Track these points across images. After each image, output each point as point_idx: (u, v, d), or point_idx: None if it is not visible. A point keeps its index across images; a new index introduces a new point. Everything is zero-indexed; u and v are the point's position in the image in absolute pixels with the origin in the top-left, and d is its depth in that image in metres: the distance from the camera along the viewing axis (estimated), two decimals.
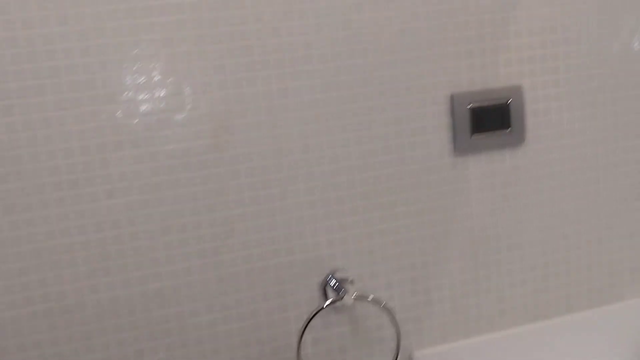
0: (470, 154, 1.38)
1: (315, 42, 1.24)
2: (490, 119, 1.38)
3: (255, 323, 1.27)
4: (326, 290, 1.30)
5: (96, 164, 1.12)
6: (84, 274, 1.13)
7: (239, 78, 1.20)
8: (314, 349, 1.31)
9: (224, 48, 1.18)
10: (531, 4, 1.35)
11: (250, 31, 1.19)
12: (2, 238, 1.03)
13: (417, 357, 1.37)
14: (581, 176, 1.45)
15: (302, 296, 1.29)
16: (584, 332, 1.48)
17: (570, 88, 1.42)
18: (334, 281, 1.29)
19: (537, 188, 1.43)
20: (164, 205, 1.18)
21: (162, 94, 1.15)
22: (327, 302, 1.23)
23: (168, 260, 1.20)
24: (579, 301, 1.49)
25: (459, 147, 1.37)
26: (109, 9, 1.11)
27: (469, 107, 1.36)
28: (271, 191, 1.24)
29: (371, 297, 1.26)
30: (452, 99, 1.35)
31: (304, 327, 1.21)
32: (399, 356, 1.29)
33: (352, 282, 1.30)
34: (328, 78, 1.25)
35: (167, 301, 1.21)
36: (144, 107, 1.14)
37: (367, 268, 1.33)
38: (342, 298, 1.23)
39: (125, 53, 1.13)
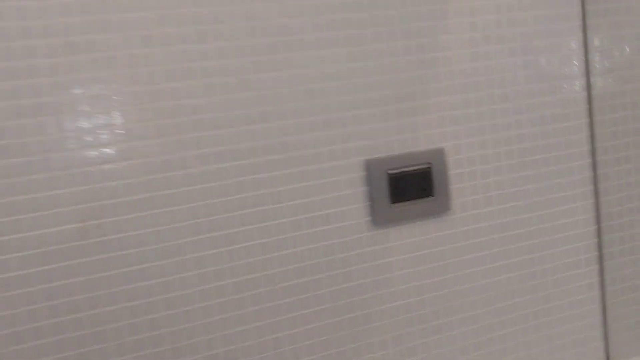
0: (390, 226, 1.23)
1: (205, 106, 1.07)
2: (411, 186, 1.23)
3: None
4: None
5: None
6: None
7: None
8: None
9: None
10: (452, 59, 1.23)
11: (126, 93, 1.02)
12: None
13: None
14: (513, 245, 1.32)
15: None
16: None
17: (497, 150, 1.29)
18: None
19: (466, 260, 1.29)
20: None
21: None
22: None
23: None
24: None
25: (378, 219, 1.21)
26: None
27: (387, 173, 1.21)
28: (152, 282, 1.05)
29: None
30: (368, 165, 1.20)
31: None
32: None
33: None
34: (222, 146, 1.08)
35: None
36: None
37: None
38: None
39: None
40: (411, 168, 1.23)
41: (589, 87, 1.34)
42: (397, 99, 1.21)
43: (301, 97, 1.13)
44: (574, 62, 1.33)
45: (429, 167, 1.24)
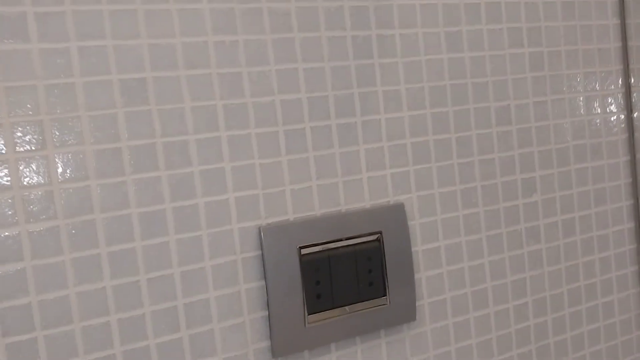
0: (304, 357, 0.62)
1: None
2: (344, 278, 0.64)
3: None
4: None
5: None
6: None
7: None
8: None
9: None
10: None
11: None
12: None
13: None
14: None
15: None
16: None
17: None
18: None
19: None
20: None
21: None
22: None
23: None
24: None
25: (282, 344, 0.60)
26: None
27: (299, 252, 0.61)
28: None
29: None
30: (265, 236, 0.60)
31: None
32: None
33: None
34: None
35: None
36: None
37: None
38: None
39: None
40: (345, 243, 0.64)
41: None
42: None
43: None
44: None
45: (377, 240, 0.66)
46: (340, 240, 0.64)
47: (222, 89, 0.59)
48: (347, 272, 0.64)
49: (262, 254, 0.61)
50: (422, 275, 0.70)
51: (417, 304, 0.69)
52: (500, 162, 0.75)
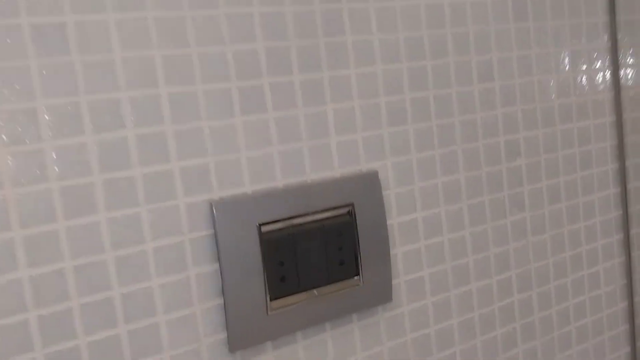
0: (266, 349, 0.54)
1: None
2: (310, 257, 0.56)
3: None
4: None
5: None
6: None
7: None
8: None
9: None
10: None
11: None
12: None
13: None
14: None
15: None
16: None
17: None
18: None
19: None
20: None
21: None
22: None
23: None
24: None
25: (243, 335, 0.52)
26: None
27: (258, 229, 0.53)
28: None
29: None
30: (217, 212, 0.51)
31: None
32: None
33: None
34: None
35: None
36: None
37: None
38: None
39: None
40: (312, 218, 0.56)
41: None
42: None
43: None
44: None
45: (348, 214, 0.58)
46: (307, 215, 0.55)
47: (161, 36, 0.49)
48: (314, 251, 0.56)
49: (215, 233, 0.52)
50: (398, 250, 0.62)
51: (392, 282, 0.62)
52: (483, 123, 0.68)
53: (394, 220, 0.62)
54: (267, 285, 0.54)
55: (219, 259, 0.52)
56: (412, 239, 0.63)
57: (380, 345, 0.62)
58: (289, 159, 0.56)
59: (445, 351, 0.66)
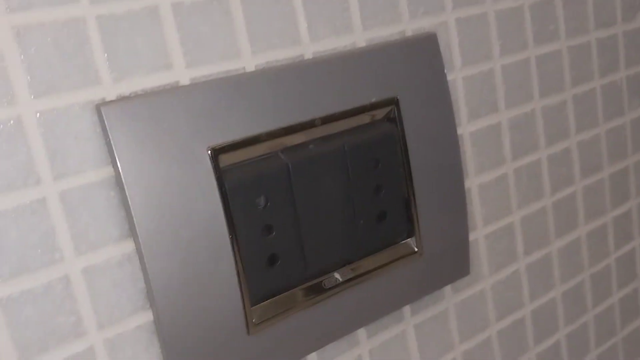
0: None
1: None
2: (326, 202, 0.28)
3: None
4: None
5: None
6: None
7: None
8: None
9: None
10: None
11: None
12: None
13: None
14: None
15: None
16: None
17: None
18: None
19: None
20: None
21: None
22: None
23: None
24: None
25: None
26: None
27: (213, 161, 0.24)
28: None
29: None
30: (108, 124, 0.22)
31: None
32: None
33: None
34: None
35: None
36: None
37: None
38: None
39: None
40: (322, 131, 0.27)
41: None
42: None
43: None
44: None
45: (389, 118, 0.29)
46: (313, 125, 0.27)
47: None
48: (329, 196, 0.27)
49: (117, 170, 0.23)
50: (472, 183, 0.35)
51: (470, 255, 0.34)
52: None
53: (464, 129, 0.34)
54: (243, 277, 0.25)
55: (132, 230, 0.24)
56: (494, 160, 0.35)
57: (451, 350, 0.35)
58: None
59: (545, 342, 0.40)
